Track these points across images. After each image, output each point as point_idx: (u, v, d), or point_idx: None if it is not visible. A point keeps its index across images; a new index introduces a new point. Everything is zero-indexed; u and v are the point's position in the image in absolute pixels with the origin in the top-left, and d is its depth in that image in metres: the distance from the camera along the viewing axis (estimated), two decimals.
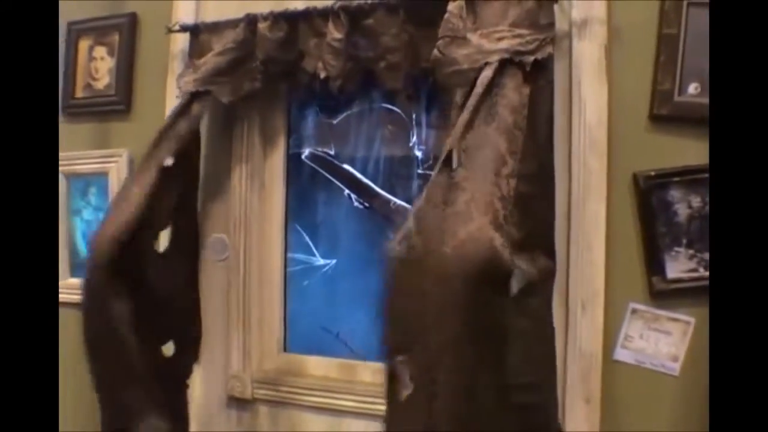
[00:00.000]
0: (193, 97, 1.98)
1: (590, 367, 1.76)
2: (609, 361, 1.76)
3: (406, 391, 1.46)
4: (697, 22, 1.67)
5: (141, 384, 1.89)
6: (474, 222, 1.45)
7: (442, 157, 1.57)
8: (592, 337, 1.76)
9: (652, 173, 1.71)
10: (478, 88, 1.62)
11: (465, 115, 1.60)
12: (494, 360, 1.50)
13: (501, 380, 1.52)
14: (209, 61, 1.98)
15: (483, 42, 1.68)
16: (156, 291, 1.97)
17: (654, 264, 1.73)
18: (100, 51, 2.28)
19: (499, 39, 1.68)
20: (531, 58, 1.65)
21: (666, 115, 1.71)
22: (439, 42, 1.73)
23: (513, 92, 1.63)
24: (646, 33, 1.73)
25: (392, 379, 1.48)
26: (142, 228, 1.89)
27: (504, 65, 1.63)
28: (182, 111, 1.97)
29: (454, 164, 1.57)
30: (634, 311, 1.74)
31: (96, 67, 2.29)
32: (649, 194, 1.72)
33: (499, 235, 1.45)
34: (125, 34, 2.25)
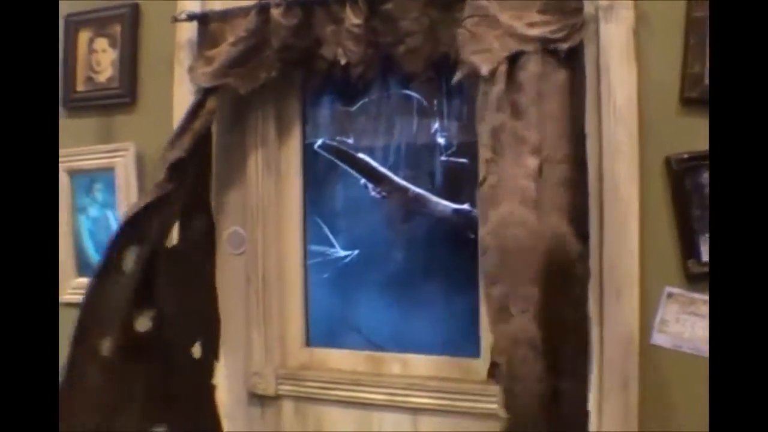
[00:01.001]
0: (207, 92, 1.91)
1: (627, 353, 1.74)
2: (646, 346, 1.74)
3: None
4: None
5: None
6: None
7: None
8: (629, 323, 1.74)
9: (685, 156, 1.69)
10: (513, 79, 1.62)
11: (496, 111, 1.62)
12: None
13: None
14: (223, 52, 1.91)
15: (515, 24, 1.66)
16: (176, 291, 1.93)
17: (689, 247, 1.71)
18: (102, 43, 2.19)
19: (531, 25, 1.65)
20: (564, 46, 1.63)
21: (697, 98, 1.68)
22: (467, 21, 1.71)
23: (548, 81, 1.62)
24: (674, 16, 1.70)
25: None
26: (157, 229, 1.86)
27: (537, 53, 1.62)
28: (198, 107, 1.91)
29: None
30: (669, 295, 1.73)
31: (97, 59, 2.20)
32: (682, 177, 1.70)
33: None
34: (127, 25, 2.17)
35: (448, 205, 2.03)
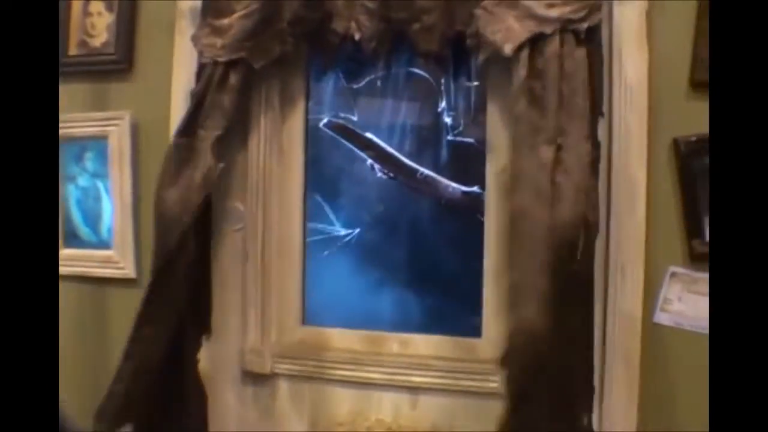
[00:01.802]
0: (227, 67, 1.88)
1: (630, 330, 1.78)
2: (649, 324, 1.78)
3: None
4: None
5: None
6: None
7: None
8: (632, 301, 1.78)
9: (693, 138, 1.73)
10: (533, 64, 1.65)
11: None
12: None
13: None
14: (235, 24, 1.87)
15: (534, 4, 1.68)
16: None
17: (694, 228, 1.75)
18: (97, 6, 2.12)
19: (550, 6, 1.68)
20: (584, 26, 1.66)
21: (707, 81, 1.72)
22: (486, 1, 1.72)
23: (568, 61, 1.65)
24: None
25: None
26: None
27: (557, 34, 1.65)
28: (220, 83, 1.87)
29: None
30: (673, 274, 1.77)
31: (92, 23, 2.13)
32: (690, 159, 1.74)
33: None
34: None
35: (458, 187, 2.02)
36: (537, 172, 1.63)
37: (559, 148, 1.62)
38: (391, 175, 2.07)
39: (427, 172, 2.04)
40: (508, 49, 1.68)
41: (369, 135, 2.09)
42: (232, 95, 1.88)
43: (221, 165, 1.89)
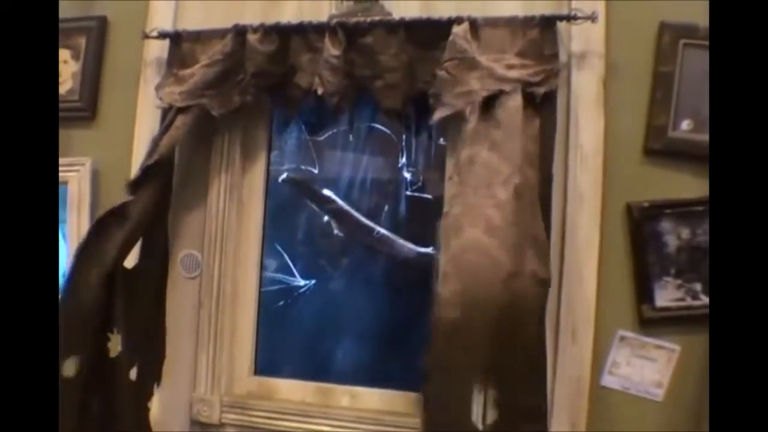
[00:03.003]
0: (178, 111, 1.90)
1: (577, 393, 1.79)
2: (596, 387, 1.80)
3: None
4: (692, 60, 1.76)
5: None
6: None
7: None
8: (581, 364, 1.79)
9: (646, 204, 1.77)
10: (490, 114, 1.67)
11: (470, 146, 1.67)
12: None
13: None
14: (197, 73, 1.90)
15: (494, 66, 1.71)
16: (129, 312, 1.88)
17: (643, 292, 1.78)
18: (64, 54, 2.13)
19: (510, 67, 1.72)
20: (541, 90, 1.70)
21: (659, 150, 1.78)
22: (447, 63, 1.76)
23: (524, 121, 1.68)
24: (642, 69, 1.80)
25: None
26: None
27: (516, 91, 1.68)
28: (169, 126, 1.89)
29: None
30: (622, 338, 1.79)
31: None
32: (641, 224, 1.78)
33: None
34: (93, 38, 2.12)
35: (413, 248, 2.04)
36: (488, 210, 1.63)
37: (515, 191, 1.63)
38: (348, 234, 2.08)
39: (383, 231, 2.06)
40: (468, 111, 1.71)
41: (327, 192, 2.10)
42: (172, 138, 1.89)
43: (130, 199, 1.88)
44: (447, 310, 1.60)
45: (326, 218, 2.11)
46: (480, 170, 1.67)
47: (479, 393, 1.58)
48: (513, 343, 1.60)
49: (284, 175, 2.11)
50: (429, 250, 2.01)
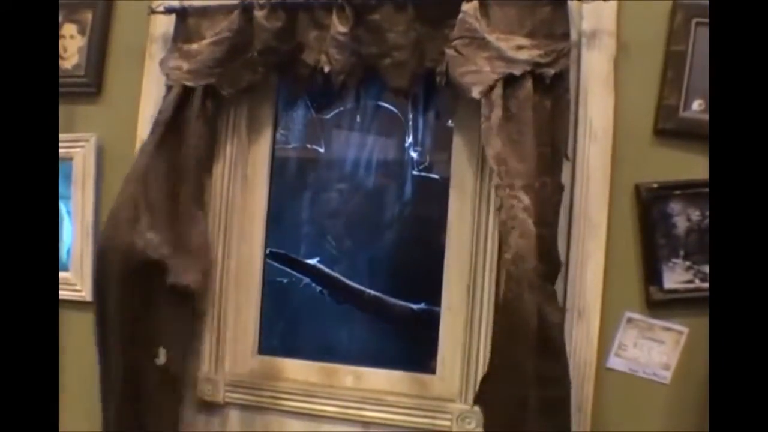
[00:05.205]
0: (189, 90, 1.89)
1: (584, 375, 1.77)
2: (602, 369, 1.78)
3: None
4: (705, 40, 1.73)
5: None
6: None
7: None
8: (587, 345, 1.77)
9: (655, 185, 1.75)
10: (502, 101, 1.65)
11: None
12: None
13: None
14: (204, 51, 1.89)
15: (503, 46, 1.69)
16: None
17: (651, 274, 1.76)
18: (70, 29, 2.12)
19: (519, 48, 1.70)
20: (551, 71, 1.68)
21: (670, 130, 1.76)
22: (456, 41, 1.73)
23: (536, 107, 1.66)
24: (654, 48, 1.77)
25: None
26: None
27: (526, 76, 1.66)
28: (180, 104, 1.88)
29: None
30: (629, 320, 1.77)
31: (64, 45, 2.13)
32: (650, 206, 1.75)
33: None
34: (100, 13, 2.10)
35: (406, 305, 2.03)
36: (519, 214, 1.61)
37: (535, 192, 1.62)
38: (340, 299, 2.07)
39: (373, 292, 2.04)
40: (475, 91, 1.69)
41: (312, 262, 2.09)
42: (195, 120, 1.88)
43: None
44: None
45: (318, 289, 2.11)
46: (506, 168, 1.65)
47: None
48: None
49: (267, 251, 2.10)
50: (422, 305, 2.00)
